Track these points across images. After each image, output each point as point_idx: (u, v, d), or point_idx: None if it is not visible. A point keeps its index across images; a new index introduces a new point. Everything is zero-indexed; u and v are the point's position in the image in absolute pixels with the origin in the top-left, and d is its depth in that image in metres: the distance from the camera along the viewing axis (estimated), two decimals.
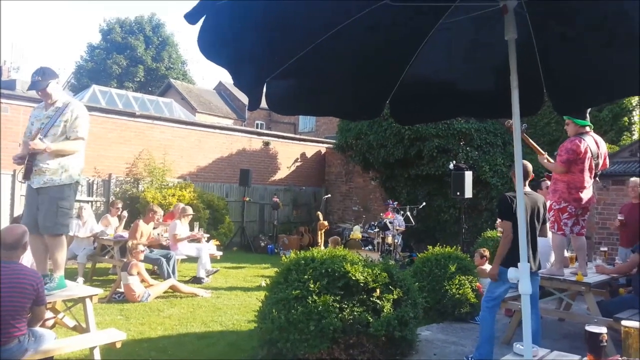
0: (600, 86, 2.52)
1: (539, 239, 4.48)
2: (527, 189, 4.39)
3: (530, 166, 4.36)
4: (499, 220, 4.64)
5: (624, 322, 2.33)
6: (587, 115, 5.11)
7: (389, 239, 10.13)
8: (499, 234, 7.06)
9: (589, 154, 4.94)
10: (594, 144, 5.02)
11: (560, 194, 4.93)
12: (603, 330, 2.32)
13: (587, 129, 5.04)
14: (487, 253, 6.98)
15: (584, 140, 4.92)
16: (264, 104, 2.26)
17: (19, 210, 9.50)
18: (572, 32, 2.25)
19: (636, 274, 5.05)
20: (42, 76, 3.83)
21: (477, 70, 2.74)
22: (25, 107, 9.72)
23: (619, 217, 6.13)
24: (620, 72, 2.35)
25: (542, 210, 4.41)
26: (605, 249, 6.42)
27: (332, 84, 2.60)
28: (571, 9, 2.12)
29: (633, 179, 6.20)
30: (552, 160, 5.19)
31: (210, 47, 1.92)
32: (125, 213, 8.35)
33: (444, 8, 2.27)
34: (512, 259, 3.99)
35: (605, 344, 2.30)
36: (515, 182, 2.47)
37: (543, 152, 5.18)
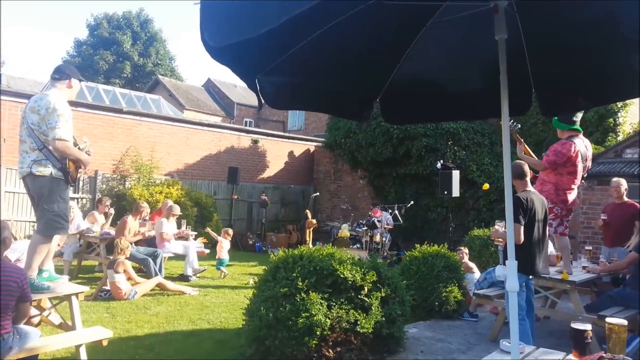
0: (589, 90, 2.54)
1: None
2: (531, 187, 4.36)
3: (527, 165, 4.38)
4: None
5: (608, 319, 2.37)
6: (576, 119, 5.17)
7: (377, 238, 10.16)
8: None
9: (579, 158, 5.02)
10: (583, 147, 5.11)
11: (547, 195, 4.98)
12: (588, 327, 2.35)
13: (579, 134, 5.15)
14: (466, 250, 7.33)
15: (574, 143, 5.00)
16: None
17: (4, 206, 9.34)
18: (561, 34, 2.27)
19: (635, 272, 5.08)
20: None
21: (466, 70, 2.76)
22: (10, 102, 9.54)
23: (602, 217, 6.22)
24: (610, 76, 2.37)
25: (546, 211, 4.42)
26: (590, 247, 6.50)
27: (322, 81, 2.60)
28: (561, 11, 2.13)
29: (615, 179, 6.28)
30: (534, 156, 5.26)
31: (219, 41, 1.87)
32: (112, 210, 8.27)
33: (435, 7, 2.28)
34: (521, 265, 3.48)
35: (590, 340, 2.34)
36: (505, 182, 2.48)
37: (530, 153, 5.24)
